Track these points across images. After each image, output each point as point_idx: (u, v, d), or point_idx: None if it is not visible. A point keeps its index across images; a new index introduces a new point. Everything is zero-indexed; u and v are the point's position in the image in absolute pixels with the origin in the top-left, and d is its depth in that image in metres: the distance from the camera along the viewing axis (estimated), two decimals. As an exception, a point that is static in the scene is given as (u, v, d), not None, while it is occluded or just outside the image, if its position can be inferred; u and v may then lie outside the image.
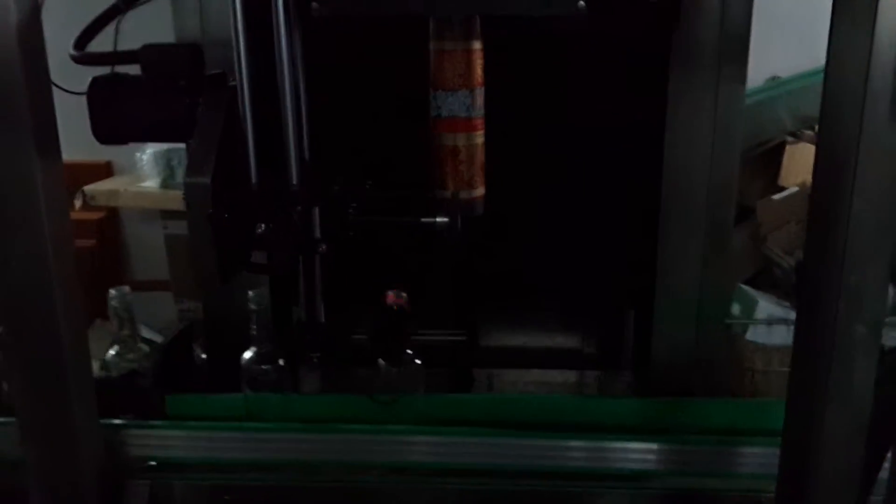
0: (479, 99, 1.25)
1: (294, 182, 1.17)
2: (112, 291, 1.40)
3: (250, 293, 1.25)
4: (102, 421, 1.21)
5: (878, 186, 0.82)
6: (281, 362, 1.32)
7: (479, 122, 1.27)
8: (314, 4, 1.07)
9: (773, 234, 2.53)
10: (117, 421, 1.25)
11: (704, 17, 1.43)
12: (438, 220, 1.21)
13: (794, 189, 2.58)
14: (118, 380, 1.36)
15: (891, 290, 1.46)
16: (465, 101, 1.24)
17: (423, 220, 1.21)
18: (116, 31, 1.42)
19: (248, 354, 1.29)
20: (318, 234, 1.16)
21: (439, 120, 1.25)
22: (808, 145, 2.63)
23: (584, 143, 1.53)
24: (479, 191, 1.29)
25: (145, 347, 1.46)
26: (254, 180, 1.16)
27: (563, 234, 1.59)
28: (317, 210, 1.16)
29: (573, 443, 1.30)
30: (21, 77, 0.80)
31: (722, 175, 1.48)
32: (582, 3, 1.06)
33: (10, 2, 0.77)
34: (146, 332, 1.92)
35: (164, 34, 1.53)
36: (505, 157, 1.50)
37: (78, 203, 2.87)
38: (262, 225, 1.09)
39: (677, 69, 1.45)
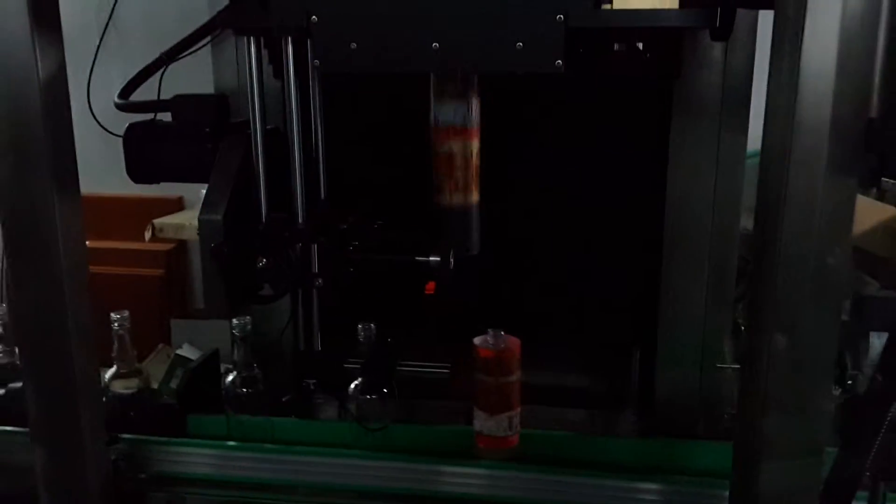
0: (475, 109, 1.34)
1: (300, 220, 1.28)
2: (113, 315, 1.47)
3: (234, 321, 1.36)
4: (124, 436, 1.34)
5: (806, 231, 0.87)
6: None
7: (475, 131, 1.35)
8: (315, 62, 1.18)
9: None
10: (128, 436, 1.36)
11: (706, 68, 1.48)
12: (432, 259, 1.29)
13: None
14: (135, 399, 1.47)
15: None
16: (461, 110, 1.32)
17: (418, 258, 1.30)
18: (160, 80, 1.56)
19: (229, 378, 1.39)
20: (315, 269, 1.25)
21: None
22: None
23: (589, 187, 1.59)
24: (474, 196, 1.37)
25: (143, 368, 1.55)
26: (263, 218, 1.28)
27: (570, 274, 1.64)
28: (315, 247, 1.25)
29: (573, 479, 1.32)
30: (42, 121, 0.92)
31: (724, 221, 1.51)
32: (559, 62, 1.13)
33: (35, 56, 0.90)
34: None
35: (205, 85, 1.69)
36: (512, 200, 1.58)
37: (148, 235, 3.08)
38: (263, 259, 1.20)
39: (679, 117, 1.50)
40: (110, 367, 1.48)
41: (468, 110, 1.33)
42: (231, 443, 1.42)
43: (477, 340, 1.35)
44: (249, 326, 1.33)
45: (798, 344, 0.90)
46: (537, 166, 1.61)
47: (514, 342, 1.35)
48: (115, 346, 1.47)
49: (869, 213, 2.73)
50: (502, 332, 1.36)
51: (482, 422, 1.35)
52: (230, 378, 1.38)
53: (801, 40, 0.84)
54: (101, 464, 1.15)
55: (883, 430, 0.99)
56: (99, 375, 1.15)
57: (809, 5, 0.83)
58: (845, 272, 0.95)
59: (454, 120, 1.32)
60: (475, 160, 1.36)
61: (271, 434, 1.41)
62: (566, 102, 1.54)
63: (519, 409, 1.36)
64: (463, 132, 1.34)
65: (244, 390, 1.37)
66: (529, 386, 1.42)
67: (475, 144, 1.36)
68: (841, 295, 0.96)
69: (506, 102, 1.42)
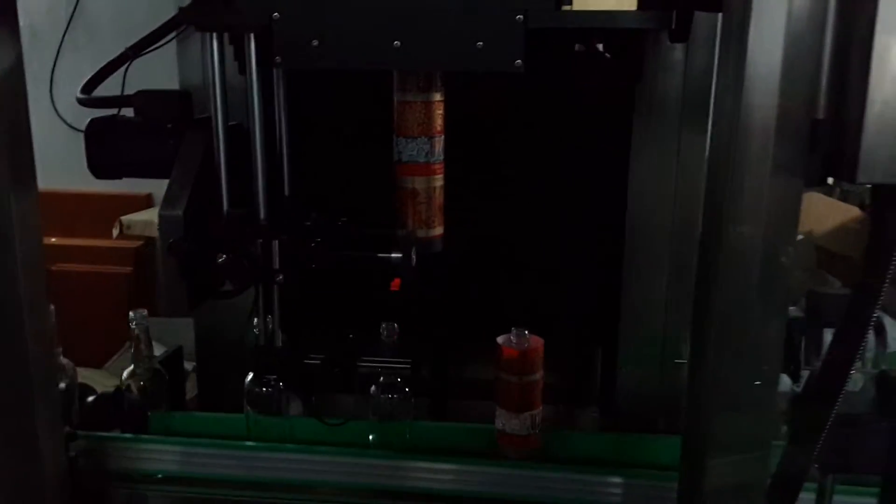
0: (439, 146, 1.35)
1: (261, 216, 1.29)
2: (131, 314, 1.51)
3: (255, 320, 1.35)
4: (83, 434, 1.33)
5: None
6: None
7: (438, 167, 1.36)
8: (277, 59, 1.19)
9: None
10: (94, 434, 1.36)
11: (667, 70, 1.50)
12: (393, 255, 1.30)
13: (801, 237, 2.58)
14: (106, 396, 1.47)
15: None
16: (425, 147, 1.34)
17: (380, 255, 1.31)
18: (125, 75, 1.56)
19: (249, 377, 1.39)
20: (276, 265, 1.26)
21: (400, 164, 1.35)
22: (816, 194, 2.64)
23: (553, 187, 1.61)
24: (438, 230, 1.38)
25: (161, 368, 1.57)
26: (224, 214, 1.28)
27: (534, 273, 1.67)
28: (276, 243, 1.26)
29: (535, 473, 1.34)
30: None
31: (685, 221, 1.54)
32: (519, 62, 1.14)
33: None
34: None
35: (170, 81, 1.69)
36: (475, 199, 1.60)
37: (115, 232, 3.06)
38: (223, 255, 1.20)
39: (641, 120, 1.53)
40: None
41: (431, 146, 1.34)
42: (192, 439, 1.42)
43: (500, 339, 1.35)
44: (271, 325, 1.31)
45: (743, 341, 0.92)
46: (501, 166, 1.63)
47: (537, 341, 1.35)
48: (133, 345, 1.53)
49: (832, 213, 2.79)
50: (525, 332, 1.36)
51: (505, 420, 1.35)
52: (249, 378, 1.38)
53: (746, 42, 0.86)
54: (58, 460, 1.15)
55: (828, 425, 1.02)
56: (57, 372, 1.15)
57: (754, 7, 0.85)
58: (791, 270, 0.98)
59: (417, 157, 1.34)
60: (439, 196, 1.38)
61: (290, 433, 1.41)
62: (530, 104, 1.56)
63: (541, 408, 1.36)
64: (426, 167, 1.35)
65: (263, 389, 1.36)
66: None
67: (439, 179, 1.37)
68: (786, 293, 0.98)
69: (470, 103, 1.43)
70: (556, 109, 1.58)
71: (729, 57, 0.89)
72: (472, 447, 1.38)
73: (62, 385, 1.37)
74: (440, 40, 1.15)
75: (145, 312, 1.55)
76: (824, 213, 2.75)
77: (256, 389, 1.39)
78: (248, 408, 1.41)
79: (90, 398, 1.49)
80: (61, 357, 1.44)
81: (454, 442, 1.40)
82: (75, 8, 1.88)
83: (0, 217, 0.96)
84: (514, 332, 1.37)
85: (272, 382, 1.37)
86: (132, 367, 1.55)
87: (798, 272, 2.65)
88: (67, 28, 1.91)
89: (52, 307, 1.21)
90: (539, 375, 1.35)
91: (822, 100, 0.95)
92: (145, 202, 3.32)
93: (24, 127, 0.99)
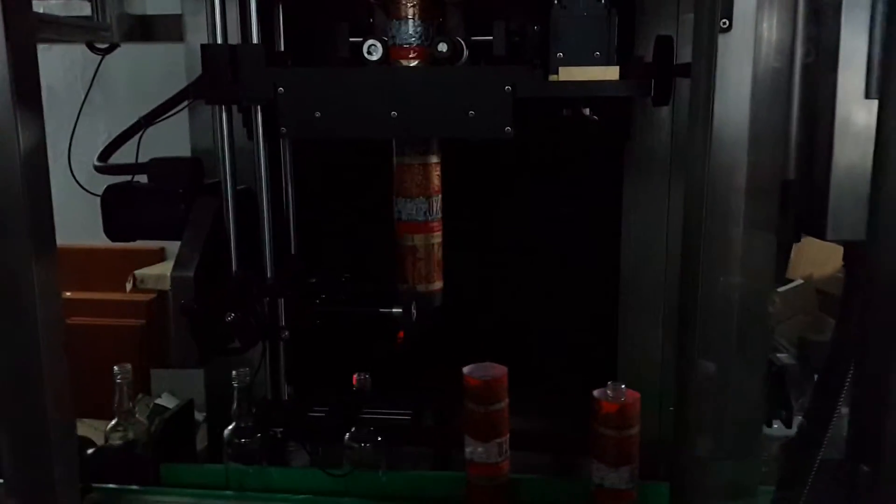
0: (436, 205, 1.42)
1: (268, 275, 1.35)
2: (115, 368, 1.50)
3: (234, 372, 1.41)
4: (96, 486, 1.38)
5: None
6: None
7: (437, 224, 1.43)
8: (282, 129, 1.26)
9: (779, 326, 2.57)
10: (108, 486, 1.40)
11: (654, 128, 1.57)
12: (394, 310, 1.36)
13: (801, 281, 2.63)
14: (117, 450, 1.51)
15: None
16: (423, 206, 1.40)
17: (381, 310, 1.37)
18: (139, 143, 1.64)
19: (229, 428, 1.44)
20: (283, 321, 1.32)
21: (400, 223, 1.42)
22: (816, 239, 2.68)
23: (549, 239, 1.67)
24: (437, 284, 1.44)
25: (144, 421, 1.60)
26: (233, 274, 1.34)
27: (532, 323, 1.72)
28: (282, 301, 1.32)
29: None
30: (22, 189, 0.99)
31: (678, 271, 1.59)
32: (509, 129, 1.21)
33: (17, 128, 0.98)
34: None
35: (182, 146, 1.77)
36: (473, 258, 1.66)
37: (129, 286, 3.13)
38: (231, 314, 1.26)
39: (631, 174, 1.59)
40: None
41: (429, 206, 1.41)
42: (203, 490, 1.46)
43: (466, 370, 1.37)
44: (248, 378, 1.35)
45: (722, 390, 0.97)
46: (499, 219, 1.69)
47: (500, 370, 1.37)
48: (116, 397, 1.50)
49: (833, 257, 2.83)
50: (489, 363, 1.38)
51: (473, 448, 1.36)
52: (230, 429, 1.41)
53: (712, 108, 0.92)
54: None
55: (813, 472, 1.06)
56: (74, 428, 1.20)
57: (719, 74, 0.92)
58: (767, 320, 1.02)
59: (416, 216, 1.40)
60: (437, 252, 1.44)
61: (268, 483, 1.43)
62: (523, 165, 1.64)
63: (507, 436, 1.37)
64: (425, 226, 1.42)
65: (242, 440, 1.39)
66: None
67: (437, 237, 1.44)
68: (766, 342, 1.03)
69: (469, 161, 1.50)
70: (549, 170, 1.65)
71: (697, 122, 0.95)
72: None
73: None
74: (434, 110, 1.22)
75: (129, 367, 1.51)
76: (824, 257, 2.80)
77: (236, 440, 1.41)
78: (229, 459, 1.43)
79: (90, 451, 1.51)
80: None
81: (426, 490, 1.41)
82: (97, 71, 1.97)
83: (22, 281, 1.02)
84: (479, 365, 1.38)
85: (252, 433, 1.40)
86: (115, 420, 1.53)
87: (799, 316, 2.70)
88: (89, 91, 1.99)
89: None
90: (504, 404, 1.35)
91: (792, 162, 1.02)
92: (158, 256, 3.40)
93: (46, 201, 1.05)
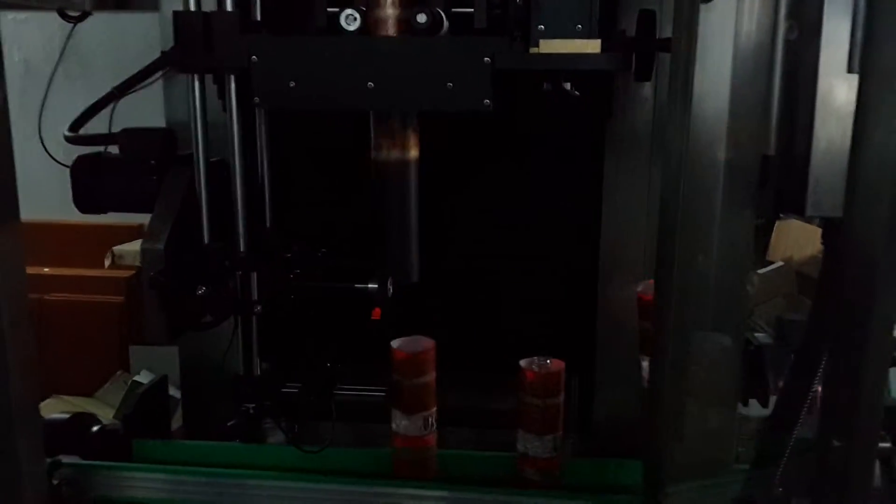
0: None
1: (241, 248, 1.33)
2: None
3: None
4: (66, 460, 1.36)
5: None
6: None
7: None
8: (256, 99, 1.24)
9: (759, 308, 2.58)
10: (74, 461, 1.38)
11: (636, 105, 1.55)
12: (370, 285, 1.34)
13: (781, 264, 2.64)
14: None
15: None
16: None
17: (357, 285, 1.35)
18: (112, 113, 1.60)
19: None
20: (255, 296, 1.30)
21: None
22: (797, 222, 2.70)
23: (528, 218, 1.65)
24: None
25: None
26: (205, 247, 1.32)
27: (512, 303, 1.70)
28: (255, 275, 1.30)
29: (505, 498, 1.37)
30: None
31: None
32: (487, 101, 1.19)
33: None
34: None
35: (157, 117, 1.73)
36: (453, 233, 1.64)
37: (107, 262, 3.09)
38: (202, 287, 1.24)
39: (612, 152, 1.57)
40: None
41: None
42: (174, 466, 1.44)
43: (394, 343, 1.35)
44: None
45: (698, 367, 0.96)
46: (479, 197, 1.67)
47: (428, 344, 1.36)
48: None
49: (812, 239, 2.84)
50: (419, 336, 1.37)
51: (398, 422, 1.36)
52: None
53: (692, 83, 0.90)
54: (40, 489, 1.17)
55: (788, 450, 1.05)
56: (38, 402, 1.18)
57: (699, 49, 0.90)
58: (746, 298, 1.02)
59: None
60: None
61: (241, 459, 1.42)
62: (503, 140, 1.61)
63: (434, 409, 1.37)
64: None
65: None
66: (476, 410, 1.47)
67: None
68: (742, 320, 1.02)
69: (448, 137, 1.48)
70: (529, 145, 1.63)
71: (677, 96, 0.93)
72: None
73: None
74: (412, 82, 1.20)
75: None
76: (805, 240, 2.81)
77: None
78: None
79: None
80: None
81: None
82: (68, 38, 1.91)
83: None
84: (407, 338, 1.37)
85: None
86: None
87: (778, 298, 2.71)
88: (59, 59, 1.94)
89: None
90: (431, 377, 1.34)
91: (773, 137, 1.00)
92: (137, 233, 3.35)
93: (8, 164, 1.02)
